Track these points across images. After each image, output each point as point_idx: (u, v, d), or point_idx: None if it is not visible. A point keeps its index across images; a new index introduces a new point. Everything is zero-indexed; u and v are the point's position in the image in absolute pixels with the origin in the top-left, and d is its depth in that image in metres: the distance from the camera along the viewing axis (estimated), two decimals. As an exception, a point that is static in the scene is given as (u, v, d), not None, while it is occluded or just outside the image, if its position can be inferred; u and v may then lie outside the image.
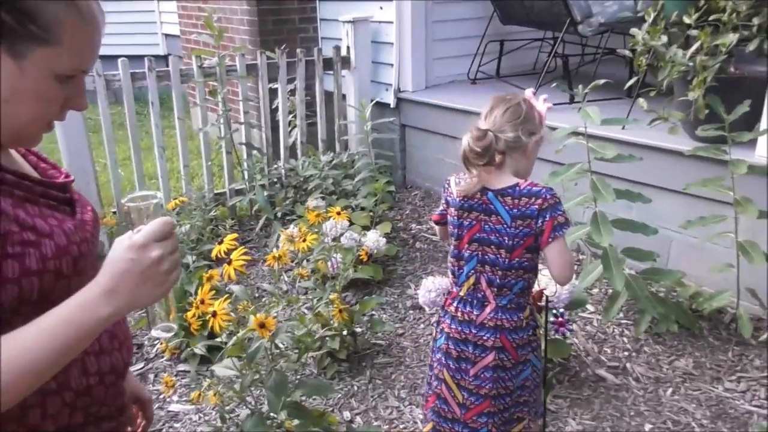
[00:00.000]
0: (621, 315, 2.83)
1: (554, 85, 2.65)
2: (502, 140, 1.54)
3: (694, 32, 2.27)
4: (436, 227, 1.81)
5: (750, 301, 2.56)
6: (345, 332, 2.65)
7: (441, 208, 1.73)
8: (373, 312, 3.04)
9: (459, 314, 1.64)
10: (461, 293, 1.65)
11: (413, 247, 3.66)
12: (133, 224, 0.85)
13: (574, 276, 2.38)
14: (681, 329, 2.66)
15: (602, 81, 2.20)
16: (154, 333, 0.94)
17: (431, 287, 2.45)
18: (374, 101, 4.24)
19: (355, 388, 2.54)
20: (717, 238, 2.59)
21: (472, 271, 1.61)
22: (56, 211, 0.91)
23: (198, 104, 3.78)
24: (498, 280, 1.59)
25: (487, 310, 1.61)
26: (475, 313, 1.62)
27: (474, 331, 1.62)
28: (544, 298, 1.95)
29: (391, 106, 4.30)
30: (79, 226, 0.93)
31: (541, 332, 1.79)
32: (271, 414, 1.81)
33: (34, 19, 0.79)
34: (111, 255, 0.82)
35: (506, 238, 1.55)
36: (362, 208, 3.58)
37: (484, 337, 1.61)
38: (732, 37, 2.21)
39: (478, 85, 4.35)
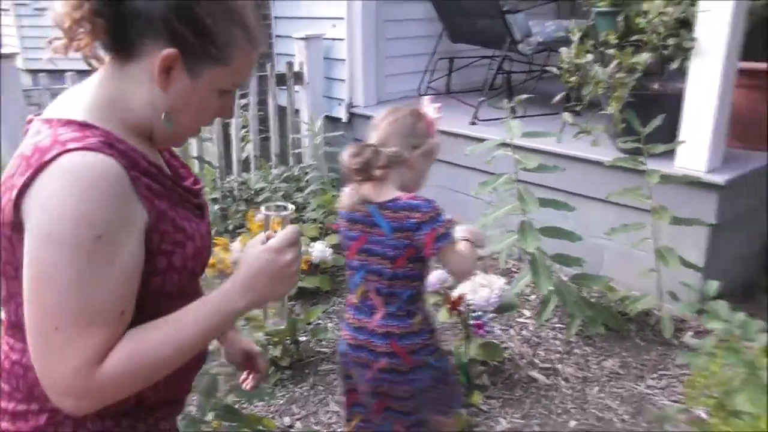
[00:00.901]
0: (556, 319, 2.96)
1: (481, 99, 2.76)
2: (384, 155, 1.56)
3: (611, 51, 2.43)
4: None
5: (675, 303, 2.71)
6: (288, 340, 2.72)
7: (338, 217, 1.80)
8: (319, 321, 3.11)
9: (353, 321, 1.70)
10: (355, 301, 1.71)
11: (363, 257, 3.75)
12: (266, 229, 0.99)
13: (504, 281, 2.50)
14: (610, 331, 2.79)
15: (525, 96, 2.34)
16: (270, 324, 1.08)
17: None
18: (326, 116, 4.34)
19: (297, 394, 2.61)
20: (641, 244, 2.74)
21: (362, 280, 1.66)
22: (193, 215, 1.01)
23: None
24: (385, 289, 1.63)
25: (377, 317, 1.65)
26: (366, 320, 1.67)
27: (366, 337, 1.67)
28: (464, 303, 2.05)
29: (344, 120, 4.41)
30: (208, 230, 1.05)
31: (449, 334, 1.89)
32: (205, 418, 1.87)
33: (214, 41, 0.90)
34: (248, 255, 0.95)
35: (388, 249, 1.60)
36: (313, 220, 3.66)
37: (375, 343, 1.65)
38: (646, 57, 2.38)
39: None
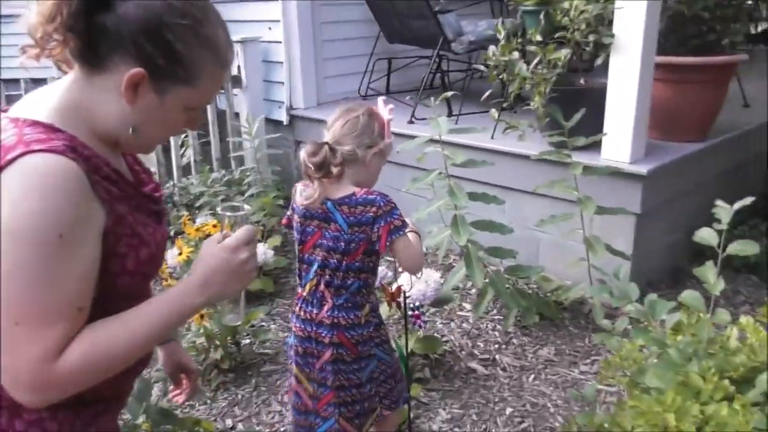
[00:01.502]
0: (495, 311, 3.03)
1: (408, 98, 2.78)
2: (339, 153, 1.61)
3: (532, 48, 2.51)
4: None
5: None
6: (230, 342, 2.71)
7: (288, 213, 1.83)
8: (262, 323, 3.11)
9: (302, 313, 1.75)
10: (305, 294, 1.75)
11: (307, 258, 3.75)
12: (222, 229, 1.04)
13: (439, 275, 2.55)
14: (545, 320, 2.88)
15: (450, 93, 2.40)
16: (226, 321, 1.13)
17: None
18: (267, 119, 4.33)
19: (240, 396, 2.60)
20: (573, 235, 2.83)
21: (314, 274, 1.71)
22: (151, 221, 1.05)
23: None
24: (337, 282, 1.69)
25: (325, 308, 1.70)
26: (314, 312, 1.72)
27: (314, 328, 1.72)
28: (402, 294, 2.09)
29: (285, 123, 4.41)
30: (164, 236, 1.08)
31: (392, 329, 1.93)
32: (136, 422, 1.85)
33: (183, 64, 0.93)
34: (204, 254, 1.00)
35: (344, 243, 1.66)
36: (254, 223, 3.64)
37: (323, 334, 1.71)
38: (565, 53, 2.46)
39: (369, 102, 4.50)
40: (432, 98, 2.40)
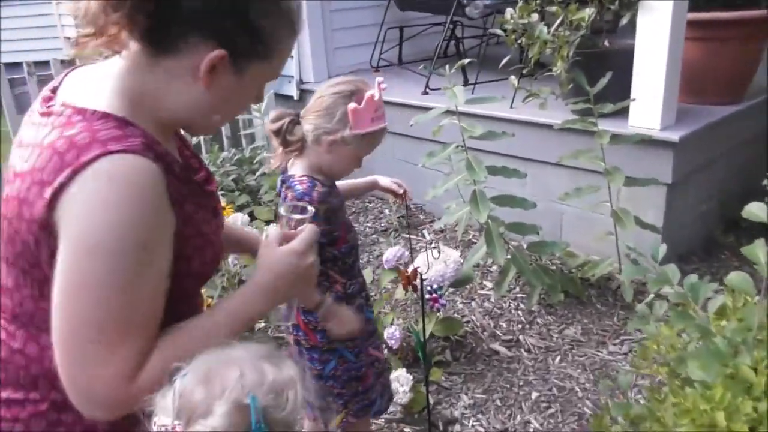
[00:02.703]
0: (517, 289, 2.90)
1: (421, 67, 2.58)
2: (301, 130, 1.47)
3: (552, 9, 2.33)
4: None
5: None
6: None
7: None
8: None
9: None
10: None
11: (321, 238, 3.64)
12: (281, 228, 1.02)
13: (458, 254, 2.42)
14: (571, 298, 2.74)
15: (467, 61, 2.24)
16: (276, 320, 1.20)
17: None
18: (276, 94, 4.20)
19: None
20: (600, 207, 2.68)
21: None
22: (211, 215, 0.98)
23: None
24: None
25: None
26: None
27: None
28: (418, 276, 1.97)
29: (295, 98, 4.26)
30: (220, 229, 1.02)
31: (409, 309, 1.81)
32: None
33: (263, 40, 0.86)
34: (269, 258, 0.95)
35: None
36: (266, 203, 3.54)
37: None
38: (588, 12, 2.28)
39: (381, 73, 4.35)
40: (446, 67, 2.24)
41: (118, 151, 0.79)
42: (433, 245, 2.30)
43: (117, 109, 0.84)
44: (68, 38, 7.50)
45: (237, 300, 0.94)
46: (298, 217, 1.01)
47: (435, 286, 2.20)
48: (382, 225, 3.70)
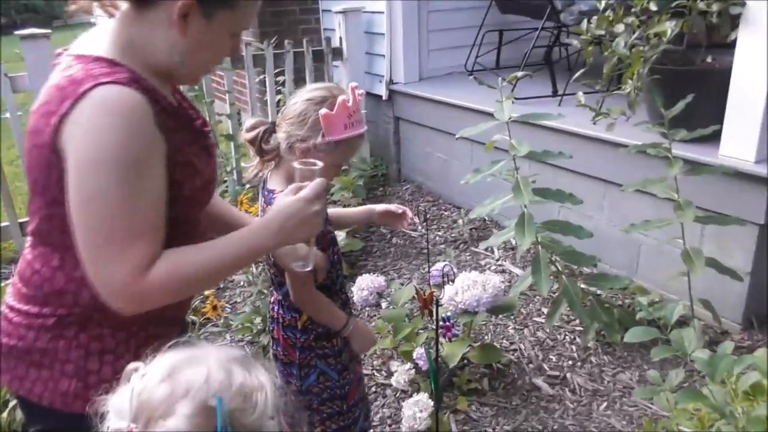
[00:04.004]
0: (576, 321, 2.67)
1: (471, 77, 2.38)
2: (276, 139, 1.41)
3: (630, 20, 2.08)
4: None
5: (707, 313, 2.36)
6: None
7: None
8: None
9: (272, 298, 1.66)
10: None
11: (389, 242, 3.59)
12: (296, 181, 1.13)
13: (500, 279, 2.26)
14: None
15: (522, 74, 2.07)
16: (295, 267, 1.25)
17: (364, 285, 2.39)
18: (367, 93, 4.18)
19: (287, 384, 2.52)
20: (676, 242, 2.39)
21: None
22: (203, 153, 1.13)
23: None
24: (274, 277, 1.54)
25: (272, 299, 1.61)
26: (270, 299, 1.64)
27: (270, 321, 1.65)
28: (434, 301, 1.85)
29: (384, 98, 4.23)
30: (214, 168, 1.17)
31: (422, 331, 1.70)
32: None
33: None
34: (280, 202, 1.09)
35: None
36: (334, 202, 3.54)
37: (271, 325, 1.63)
38: (668, 26, 2.01)
39: (473, 77, 4.19)
40: (500, 78, 2.09)
41: (107, 83, 0.94)
42: (446, 268, 2.17)
43: (108, 53, 1.01)
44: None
45: (245, 231, 1.08)
46: (308, 168, 1.12)
47: (448, 314, 2.07)
48: (453, 235, 3.57)
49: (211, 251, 1.04)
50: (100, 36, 1.04)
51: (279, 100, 4.08)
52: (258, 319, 2.64)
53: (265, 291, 2.59)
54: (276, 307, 1.57)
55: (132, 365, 0.83)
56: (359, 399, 1.66)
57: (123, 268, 0.96)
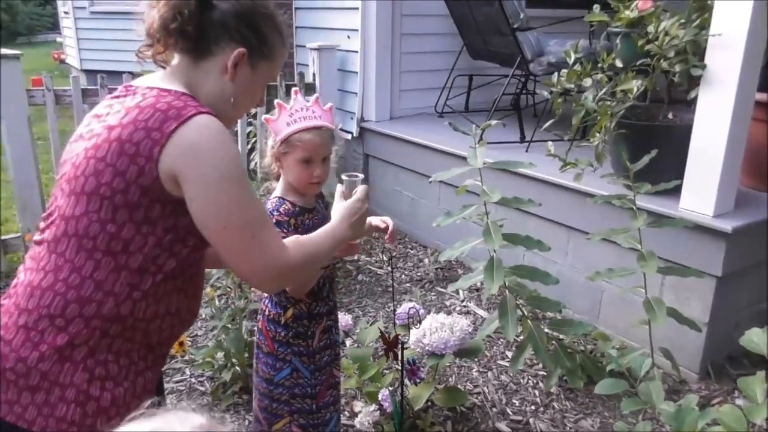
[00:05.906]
0: (540, 365, 2.70)
1: (447, 123, 2.45)
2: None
3: (598, 76, 2.17)
4: None
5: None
6: (247, 362, 2.58)
7: None
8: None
9: None
10: None
11: (355, 279, 3.58)
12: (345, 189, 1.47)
13: (467, 322, 2.27)
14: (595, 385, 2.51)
15: (494, 122, 2.12)
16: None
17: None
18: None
19: (247, 422, 2.46)
20: (637, 290, 2.45)
21: None
22: None
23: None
24: None
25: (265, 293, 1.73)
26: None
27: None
28: (399, 344, 1.85)
29: (354, 135, 4.27)
30: None
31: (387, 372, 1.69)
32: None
33: (266, 42, 1.22)
34: (341, 205, 1.40)
35: None
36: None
37: (259, 316, 1.74)
38: (636, 83, 2.11)
39: (444, 119, 4.28)
40: (473, 126, 2.14)
41: (206, 112, 1.10)
42: (412, 311, 2.17)
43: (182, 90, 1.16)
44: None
45: (329, 227, 1.35)
46: (351, 180, 1.46)
47: (413, 358, 2.07)
48: (418, 274, 3.59)
49: (313, 240, 1.29)
50: (164, 78, 1.18)
51: (249, 132, 4.08)
52: (220, 354, 2.59)
53: (230, 326, 2.54)
54: (266, 300, 1.70)
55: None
56: (331, 402, 1.75)
57: (272, 249, 1.14)
